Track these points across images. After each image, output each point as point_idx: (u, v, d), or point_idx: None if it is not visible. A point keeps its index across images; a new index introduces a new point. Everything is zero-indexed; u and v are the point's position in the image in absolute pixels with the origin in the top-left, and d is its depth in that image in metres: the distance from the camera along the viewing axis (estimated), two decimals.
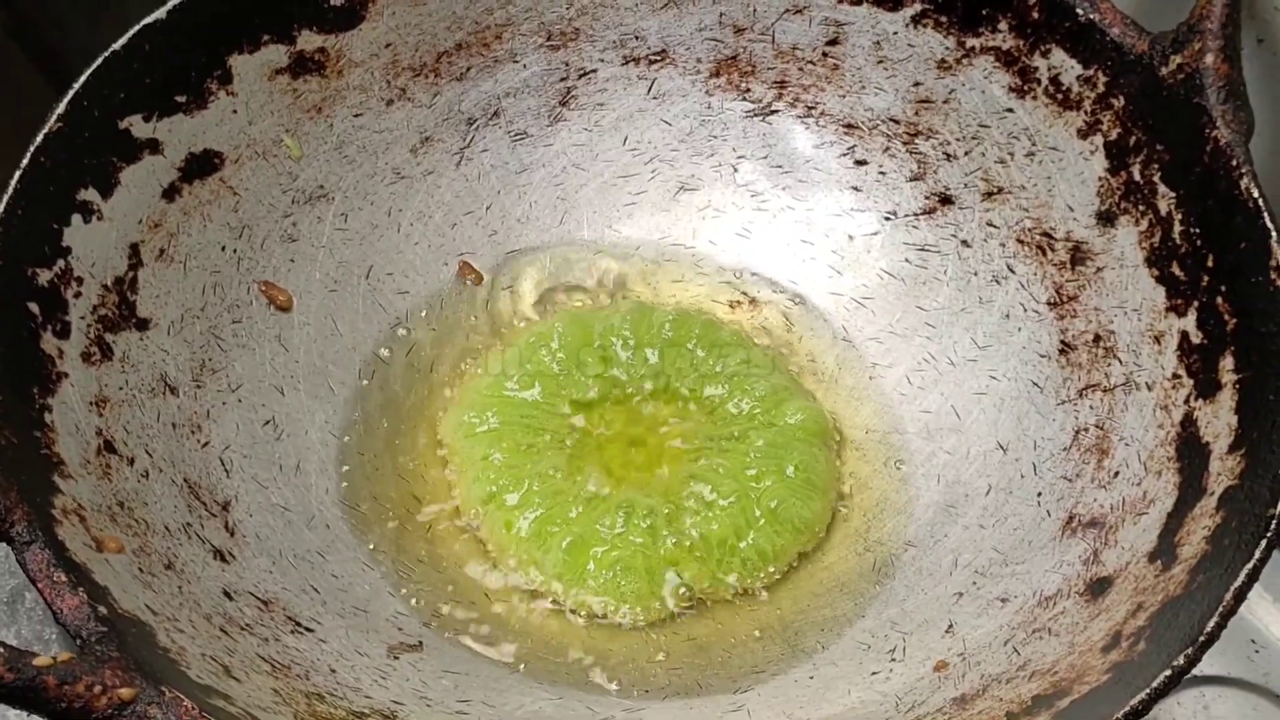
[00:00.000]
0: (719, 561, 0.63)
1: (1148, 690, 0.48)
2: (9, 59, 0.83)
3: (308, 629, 0.57)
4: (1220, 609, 0.49)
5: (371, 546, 0.63)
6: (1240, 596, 0.49)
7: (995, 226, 0.68)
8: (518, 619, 0.62)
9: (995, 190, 0.68)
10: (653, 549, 0.63)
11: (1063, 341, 0.65)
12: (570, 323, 0.70)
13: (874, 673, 0.58)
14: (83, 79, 0.59)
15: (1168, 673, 0.48)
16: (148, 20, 0.62)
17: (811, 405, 0.68)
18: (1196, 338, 0.59)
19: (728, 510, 0.64)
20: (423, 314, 0.71)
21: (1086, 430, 0.62)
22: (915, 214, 0.70)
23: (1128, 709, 0.48)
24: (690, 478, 0.66)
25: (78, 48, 0.83)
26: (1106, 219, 0.64)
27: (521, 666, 0.60)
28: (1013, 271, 0.67)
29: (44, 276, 0.58)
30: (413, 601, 0.62)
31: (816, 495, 0.65)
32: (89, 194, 0.60)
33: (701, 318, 0.71)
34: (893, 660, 0.59)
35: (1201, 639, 0.49)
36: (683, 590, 0.63)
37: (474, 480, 0.66)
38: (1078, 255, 0.65)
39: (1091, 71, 0.64)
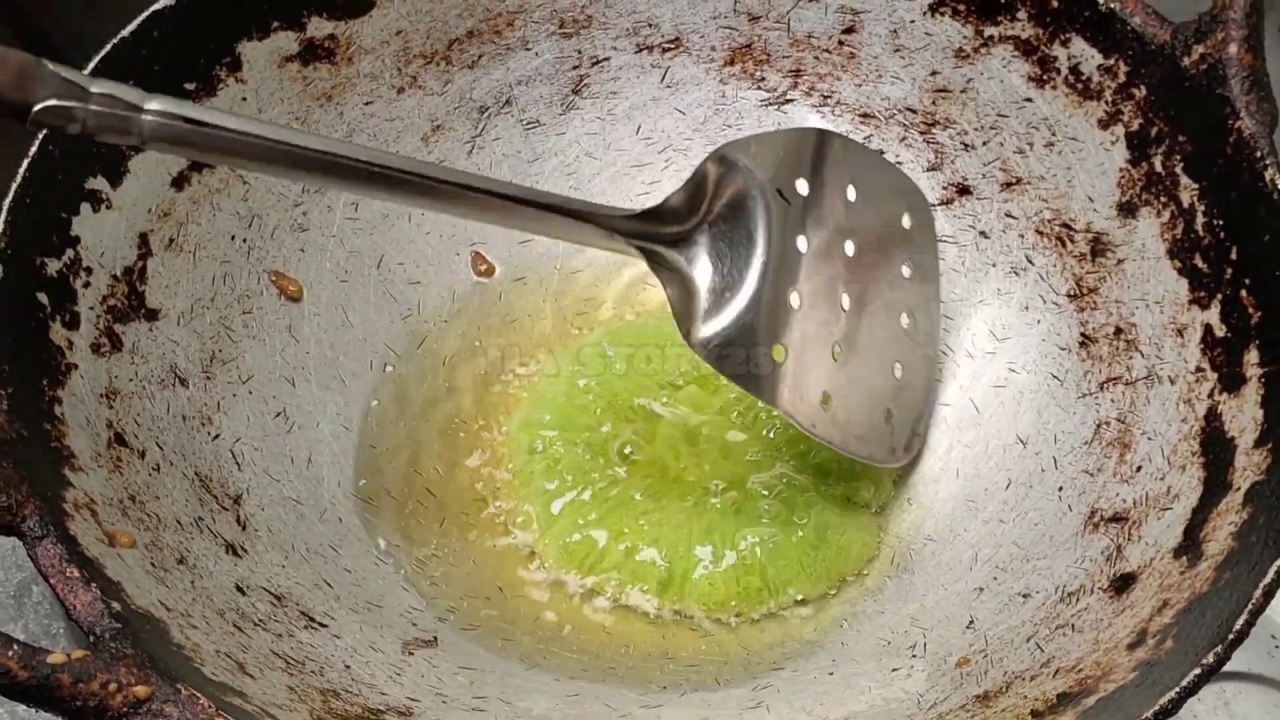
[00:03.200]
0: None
1: (1177, 689, 0.47)
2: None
3: (321, 624, 0.57)
4: (1249, 606, 0.49)
5: (383, 542, 0.63)
6: (1270, 593, 0.49)
7: (1014, 217, 0.67)
8: (535, 612, 0.62)
9: (1014, 181, 0.67)
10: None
11: (1083, 334, 0.64)
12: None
13: (894, 669, 0.58)
14: (91, 66, 0.59)
15: (1197, 671, 0.48)
16: (157, 6, 0.61)
17: None
18: (1220, 331, 0.58)
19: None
20: (434, 305, 0.70)
21: (1108, 424, 0.61)
22: (932, 204, 0.69)
23: (1157, 708, 0.47)
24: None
25: (72, 33, 0.83)
26: (1128, 210, 0.63)
27: (540, 660, 0.59)
28: (1032, 263, 0.66)
29: (53, 266, 0.57)
30: (427, 590, 0.61)
31: None
32: (98, 182, 0.59)
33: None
34: (914, 657, 0.58)
35: (1231, 637, 0.48)
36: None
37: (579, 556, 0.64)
38: (1098, 247, 0.64)
39: (1112, 61, 0.63)
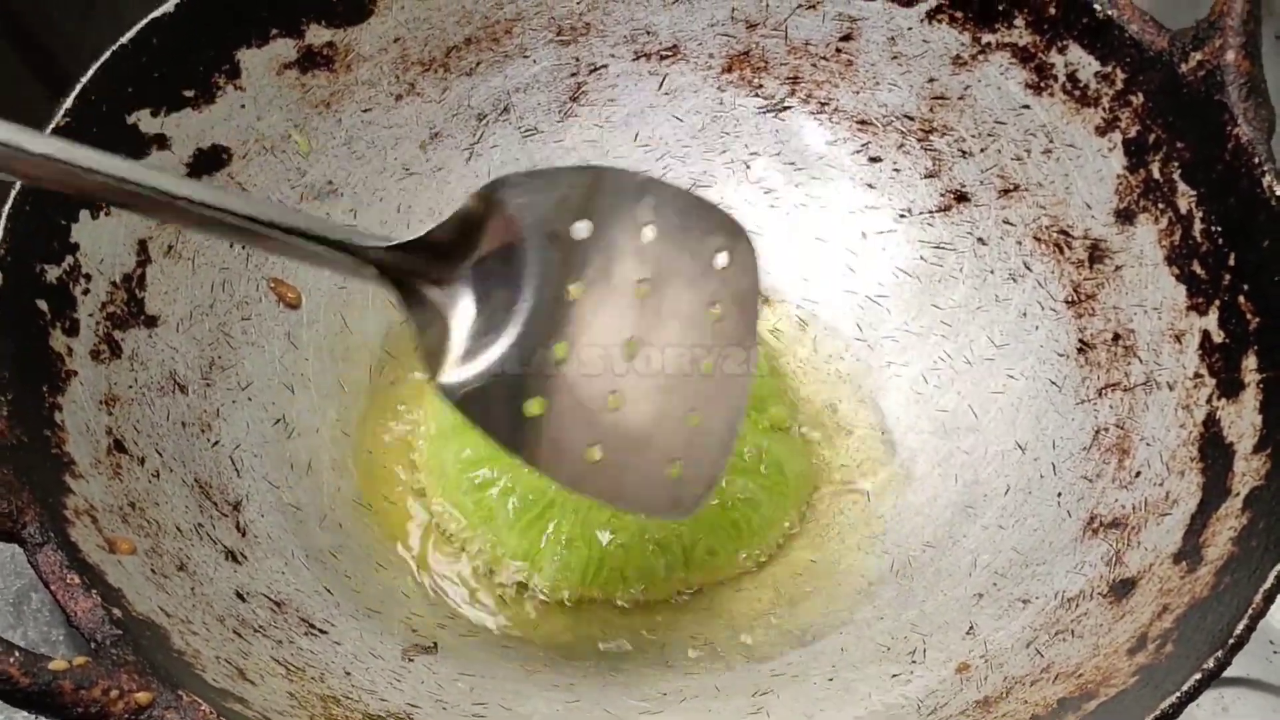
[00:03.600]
0: None
1: (1178, 694, 0.47)
2: None
3: (322, 631, 0.57)
4: (1250, 611, 0.49)
5: (382, 548, 0.63)
6: (1270, 598, 0.49)
7: (1012, 224, 0.67)
8: (534, 619, 0.62)
9: (1012, 187, 0.67)
10: None
11: (1081, 340, 0.64)
12: None
13: (894, 675, 0.58)
14: (90, 73, 0.59)
15: (1198, 676, 0.48)
16: (155, 14, 0.61)
17: None
18: (1218, 337, 0.58)
19: None
20: None
21: (1107, 430, 0.61)
22: (930, 211, 0.69)
23: (1158, 713, 0.47)
24: None
25: (68, 42, 0.83)
26: (1125, 217, 0.63)
27: (540, 667, 0.59)
28: (1030, 269, 0.66)
29: (52, 273, 0.57)
30: (427, 596, 0.61)
31: None
32: None
33: None
34: (914, 663, 0.58)
35: (1231, 641, 0.48)
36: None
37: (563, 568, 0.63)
38: (1096, 253, 0.64)
39: (1109, 68, 0.63)
